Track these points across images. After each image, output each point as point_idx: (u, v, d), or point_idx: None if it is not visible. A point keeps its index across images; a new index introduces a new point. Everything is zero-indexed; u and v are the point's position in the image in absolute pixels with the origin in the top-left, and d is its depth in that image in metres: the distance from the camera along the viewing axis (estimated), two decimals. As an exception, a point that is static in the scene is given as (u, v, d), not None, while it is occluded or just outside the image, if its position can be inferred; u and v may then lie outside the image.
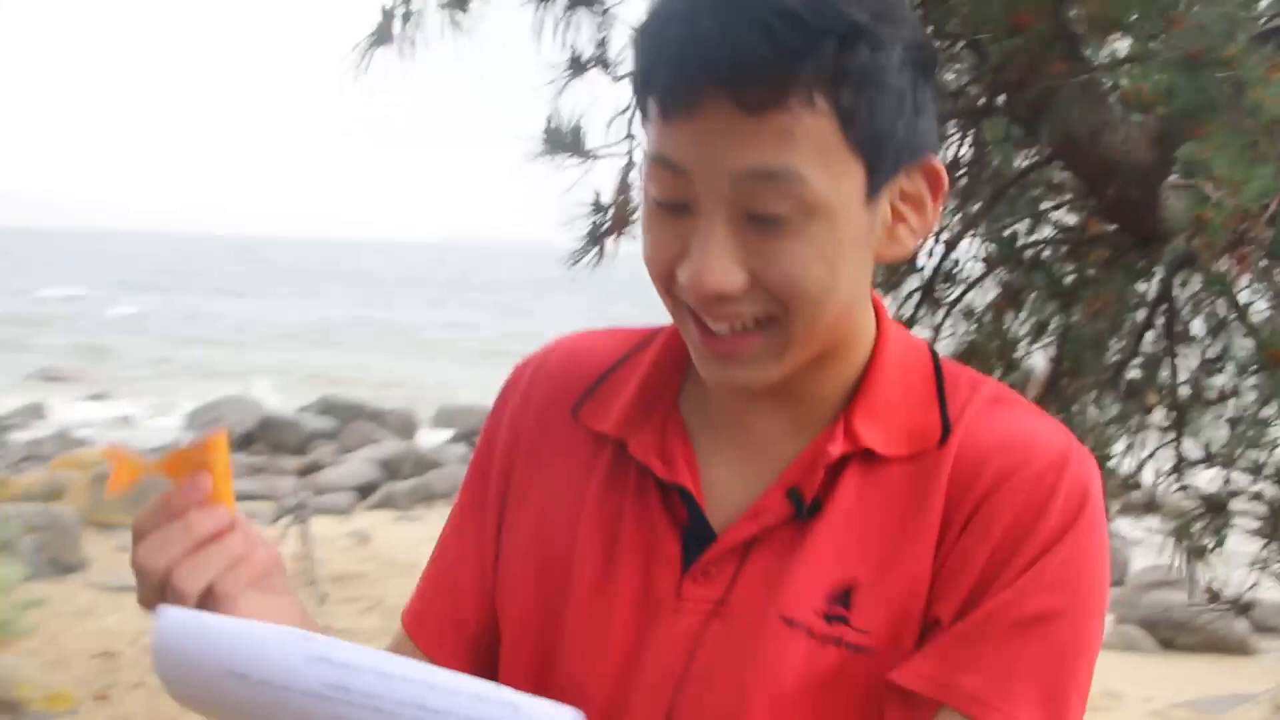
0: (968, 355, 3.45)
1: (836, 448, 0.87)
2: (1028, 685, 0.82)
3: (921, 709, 0.82)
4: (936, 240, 3.41)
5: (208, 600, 0.82)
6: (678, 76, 0.79)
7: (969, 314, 3.44)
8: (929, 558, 0.85)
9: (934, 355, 0.94)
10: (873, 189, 0.83)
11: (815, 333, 0.85)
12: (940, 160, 0.87)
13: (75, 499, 8.46)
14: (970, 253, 3.40)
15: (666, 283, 0.86)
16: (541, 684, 0.90)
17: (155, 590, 0.83)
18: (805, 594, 0.85)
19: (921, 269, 3.40)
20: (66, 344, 26.91)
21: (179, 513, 0.83)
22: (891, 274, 3.35)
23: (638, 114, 0.81)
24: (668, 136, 0.81)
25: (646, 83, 0.82)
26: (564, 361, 1.00)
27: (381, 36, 3.07)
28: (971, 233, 3.37)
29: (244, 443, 14.37)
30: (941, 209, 0.89)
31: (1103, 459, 3.44)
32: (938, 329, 3.44)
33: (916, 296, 3.38)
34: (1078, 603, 0.84)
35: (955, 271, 3.42)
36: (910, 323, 3.41)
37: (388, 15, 3.07)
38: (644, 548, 0.90)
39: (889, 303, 3.42)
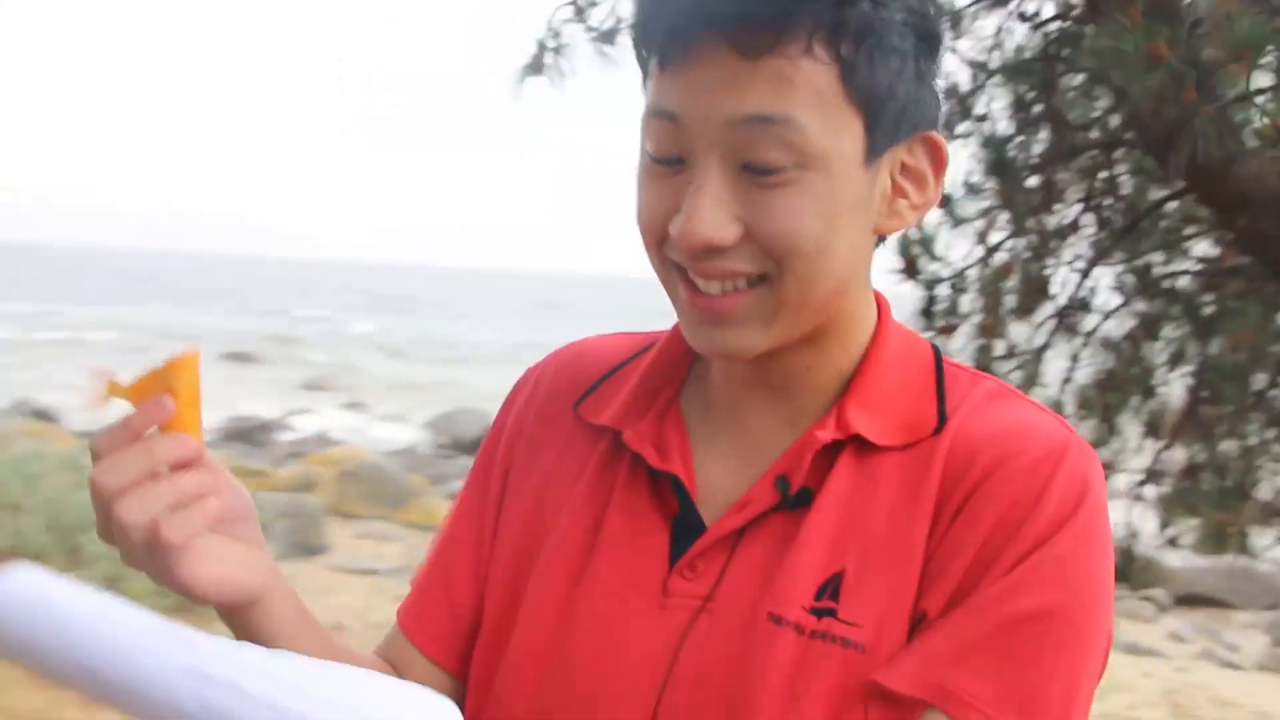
0: (1105, 383, 3.50)
1: (826, 434, 0.84)
2: (1017, 686, 0.77)
3: (907, 709, 0.78)
4: (1071, 269, 3.47)
5: (153, 542, 0.75)
6: (675, 23, 0.77)
7: (1106, 343, 3.48)
8: (920, 549, 0.80)
9: (936, 352, 0.90)
10: (872, 150, 0.79)
11: (808, 297, 0.80)
12: (942, 136, 0.84)
13: (323, 491, 9.48)
14: (1106, 282, 3.45)
15: (658, 242, 0.82)
16: (490, 669, 0.89)
17: (106, 520, 0.77)
18: (794, 587, 0.81)
19: (1055, 296, 3.47)
20: (324, 359, 29.07)
21: (136, 436, 0.77)
22: (1026, 298, 3.43)
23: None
24: (665, 87, 0.79)
25: (645, 34, 0.81)
26: (570, 362, 0.99)
27: (535, 66, 3.34)
28: (1105, 262, 3.43)
29: (476, 449, 15.03)
30: (942, 186, 0.85)
31: (1247, 486, 3.43)
32: (1075, 357, 3.50)
33: (1051, 324, 3.45)
34: (1075, 601, 0.78)
35: (1091, 300, 3.47)
36: (1044, 349, 3.48)
37: (541, 46, 3.34)
38: (629, 538, 0.87)
39: (1024, 330, 3.50)
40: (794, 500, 0.83)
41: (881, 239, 0.86)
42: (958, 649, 0.78)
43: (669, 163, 0.80)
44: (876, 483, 0.83)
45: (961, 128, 3.43)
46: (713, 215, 0.78)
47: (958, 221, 3.48)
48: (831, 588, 0.81)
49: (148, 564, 0.77)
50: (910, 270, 3.44)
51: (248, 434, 15.79)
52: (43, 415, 14.38)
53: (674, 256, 0.82)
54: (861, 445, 0.84)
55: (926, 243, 3.46)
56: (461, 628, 0.94)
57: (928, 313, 3.45)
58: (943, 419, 0.84)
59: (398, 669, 0.93)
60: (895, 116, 0.80)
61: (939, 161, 0.84)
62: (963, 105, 3.42)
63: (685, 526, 0.86)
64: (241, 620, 0.82)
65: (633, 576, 0.86)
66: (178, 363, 0.78)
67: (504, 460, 0.96)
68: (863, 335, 0.88)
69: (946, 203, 3.50)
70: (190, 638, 0.66)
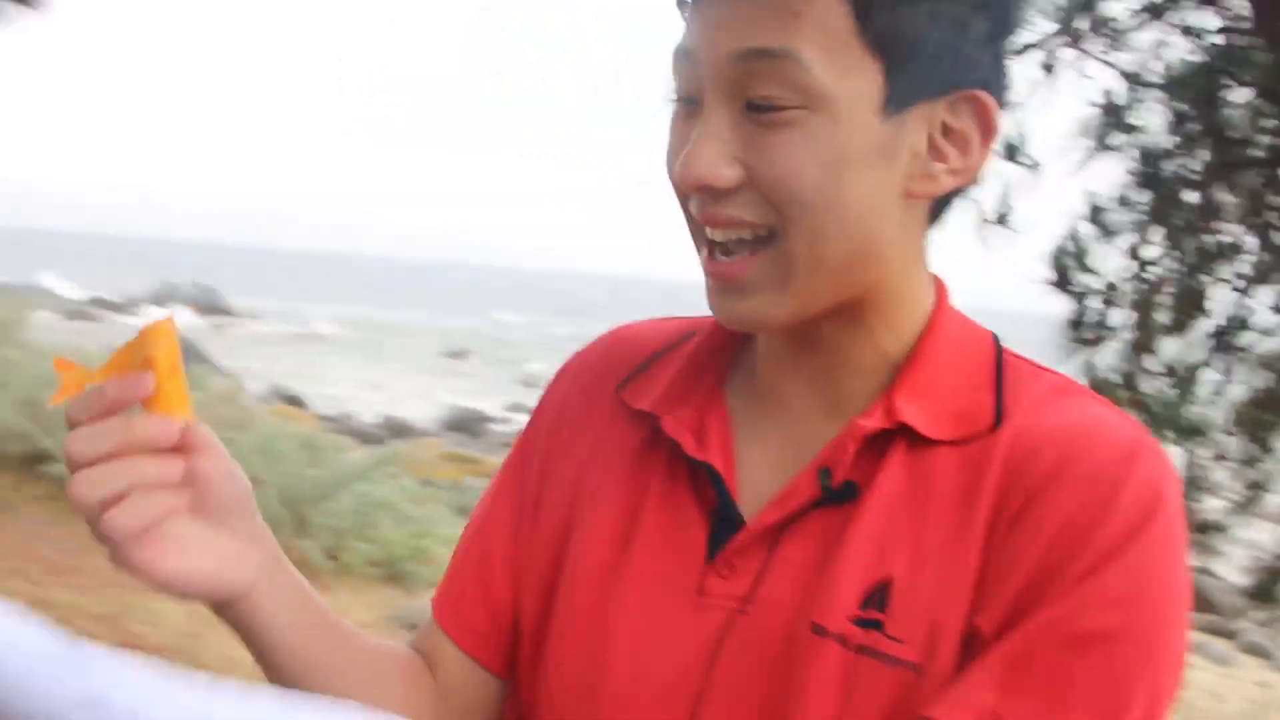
0: (1260, 402, 3.46)
1: (871, 422, 0.77)
2: (1084, 716, 0.70)
3: None
4: (1230, 288, 3.45)
5: (98, 525, 0.71)
6: None
7: (1263, 362, 3.44)
8: (975, 557, 0.73)
9: (997, 343, 0.83)
10: (894, 100, 0.74)
11: (821, 257, 0.75)
12: (993, 99, 0.77)
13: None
14: (1266, 301, 3.41)
15: (680, 193, 0.79)
16: (532, 665, 0.86)
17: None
18: (838, 594, 0.75)
19: (1210, 313, 3.45)
20: (532, 358, 30.45)
21: (111, 410, 0.71)
22: (1180, 315, 3.44)
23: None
24: (688, 25, 0.77)
25: None
26: (614, 346, 0.94)
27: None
28: (1268, 283, 3.39)
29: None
30: (990, 151, 0.78)
31: None
32: (1228, 374, 3.47)
33: (1205, 341, 3.43)
34: (1147, 622, 0.71)
35: (1249, 320, 3.44)
36: (1199, 367, 3.47)
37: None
38: (665, 532, 0.82)
39: (1175, 346, 3.49)
40: (837, 494, 0.77)
41: (936, 213, 0.80)
42: (1016, 675, 0.70)
43: (688, 103, 0.78)
44: (929, 481, 0.76)
45: (1115, 140, 3.47)
46: (709, 152, 0.74)
47: (1109, 233, 3.51)
48: (878, 597, 0.75)
49: (103, 545, 0.72)
50: (1061, 282, 3.51)
51: (466, 425, 16.90)
52: (293, 400, 15.80)
53: (690, 208, 0.79)
54: (913, 439, 0.77)
55: (1079, 255, 3.52)
56: (498, 620, 0.89)
57: (1076, 325, 3.50)
58: (1001, 414, 0.77)
59: (430, 661, 0.90)
60: (926, 67, 0.74)
61: (987, 125, 0.77)
62: (1117, 117, 3.46)
63: (724, 521, 0.81)
64: (227, 615, 0.79)
65: (668, 574, 0.81)
66: (152, 331, 0.72)
67: (545, 446, 0.92)
68: (915, 319, 0.81)
69: (1097, 214, 3.54)
70: (92, 664, 0.60)
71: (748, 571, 0.79)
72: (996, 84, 0.77)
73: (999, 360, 0.81)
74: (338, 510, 6.50)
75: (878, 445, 0.78)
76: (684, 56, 0.77)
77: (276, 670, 0.81)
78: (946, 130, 0.77)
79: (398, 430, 15.01)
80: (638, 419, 0.87)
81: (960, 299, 0.86)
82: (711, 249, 0.78)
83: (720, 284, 0.78)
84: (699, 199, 0.77)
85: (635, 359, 0.91)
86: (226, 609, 0.78)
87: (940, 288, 0.84)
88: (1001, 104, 0.78)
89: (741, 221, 0.76)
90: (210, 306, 37.42)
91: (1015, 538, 0.73)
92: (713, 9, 0.75)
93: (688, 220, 0.80)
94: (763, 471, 0.82)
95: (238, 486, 0.77)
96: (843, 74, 0.73)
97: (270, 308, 42.05)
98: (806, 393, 0.83)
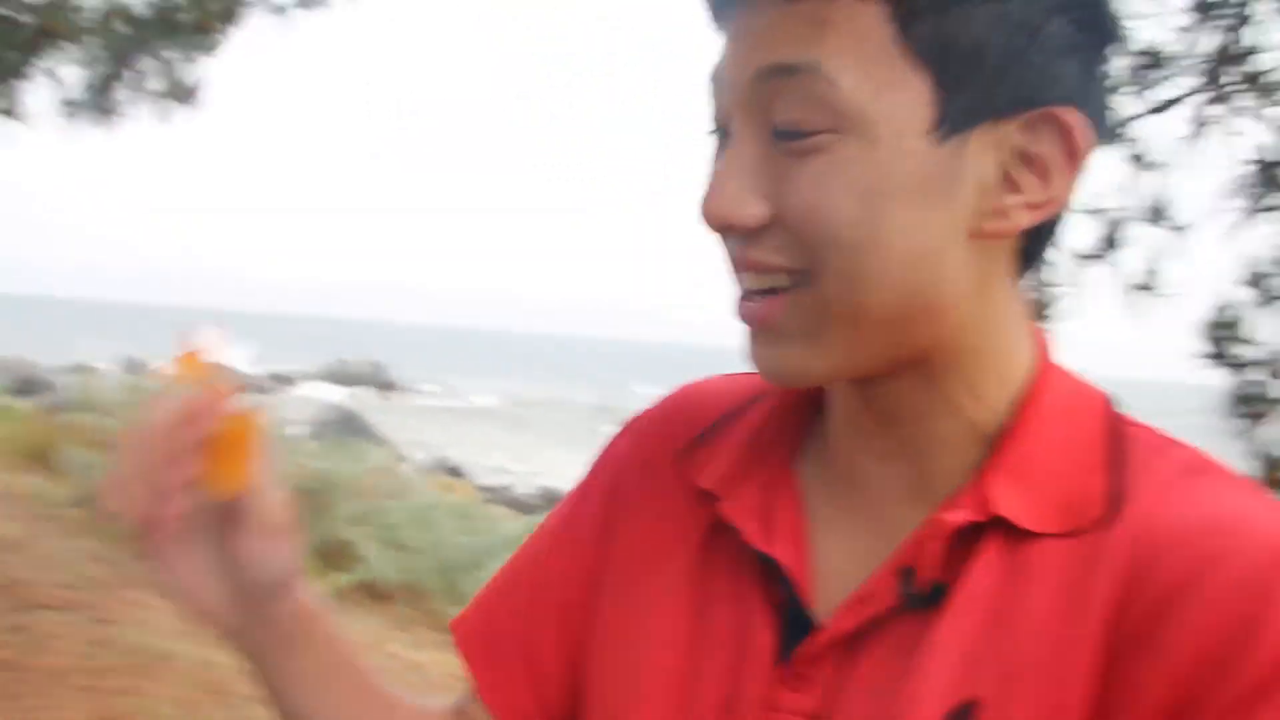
0: None
1: (959, 514, 0.65)
2: None
3: None
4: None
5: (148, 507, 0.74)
6: None
7: None
8: (1084, 679, 0.61)
9: (1112, 409, 0.70)
10: (948, 121, 0.62)
11: (860, 304, 0.63)
12: (1079, 118, 0.64)
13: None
14: None
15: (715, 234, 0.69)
16: None
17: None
18: (918, 715, 0.64)
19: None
20: None
21: (186, 421, 0.73)
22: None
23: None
24: (719, 49, 0.68)
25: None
26: (678, 407, 0.84)
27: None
28: None
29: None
30: (1077, 179, 0.65)
31: None
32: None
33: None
34: None
35: None
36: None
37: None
38: (735, 637, 0.72)
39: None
40: (921, 599, 0.66)
41: (1030, 257, 0.68)
42: None
43: (721, 133, 0.68)
44: (1028, 582, 0.64)
45: (1273, 199, 3.32)
46: (729, 188, 0.65)
47: (1270, 299, 3.35)
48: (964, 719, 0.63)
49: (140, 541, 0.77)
50: (1217, 352, 3.36)
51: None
52: (454, 471, 16.30)
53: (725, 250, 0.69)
54: (1010, 530, 0.65)
55: (1234, 323, 3.37)
56: (544, 704, 0.81)
57: (1240, 399, 3.33)
58: (1118, 500, 0.64)
59: None
60: (987, 81, 0.62)
61: (1072, 148, 0.64)
62: (1271, 175, 3.33)
63: (795, 623, 0.70)
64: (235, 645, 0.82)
65: (736, 684, 0.71)
66: (244, 418, 0.75)
67: (602, 513, 0.82)
68: (1008, 383, 0.69)
69: (1256, 279, 3.39)
70: None
71: (820, 684, 0.68)
72: (1086, 101, 0.65)
73: (1114, 431, 0.68)
74: (489, 578, 6.61)
75: (967, 536, 0.66)
76: (711, 80, 0.68)
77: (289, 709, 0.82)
78: (1023, 156, 0.65)
79: (552, 500, 15.12)
80: (702, 497, 0.77)
81: (1108, 369, 0.76)
82: (748, 294, 0.68)
83: (749, 328, 0.68)
84: (730, 240, 0.67)
85: (698, 424, 0.81)
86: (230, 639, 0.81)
87: (1041, 344, 0.71)
88: (1098, 125, 0.65)
89: (770, 266, 0.65)
90: (378, 381, 38.93)
91: (1138, 663, 0.60)
92: (740, 25, 0.66)
93: (728, 263, 0.70)
94: (840, 563, 0.71)
95: (271, 570, 0.77)
96: (880, 90, 0.62)
97: (433, 382, 43.69)
98: (886, 470, 0.71)
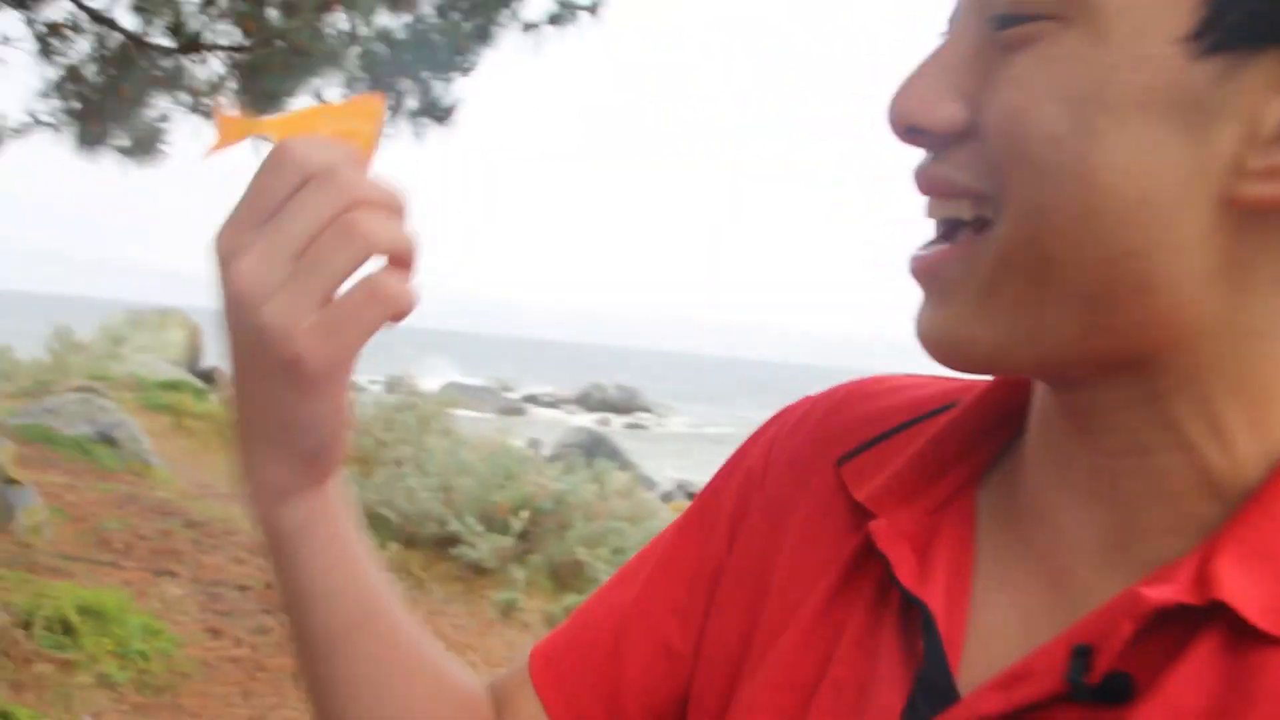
0: None
1: (1167, 591, 0.49)
2: None
3: None
4: None
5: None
6: None
7: None
8: None
9: None
10: (1217, 31, 0.46)
11: (1048, 248, 0.49)
12: None
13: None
14: None
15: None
16: None
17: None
18: None
19: None
20: None
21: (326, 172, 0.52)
22: None
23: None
24: None
25: None
26: (849, 401, 0.70)
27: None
28: None
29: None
30: None
31: None
32: None
33: None
34: None
35: None
36: None
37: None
38: (857, 690, 0.58)
39: None
40: (1096, 691, 0.50)
41: None
42: None
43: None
44: (1251, 703, 0.47)
45: None
46: (926, 83, 0.52)
47: None
48: None
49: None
50: None
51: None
52: (695, 495, 16.52)
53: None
54: (1236, 627, 0.48)
55: None
56: (612, 705, 0.69)
57: None
58: None
59: (502, 710, 0.72)
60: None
61: None
62: None
63: (929, 687, 0.55)
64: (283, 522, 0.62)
65: None
66: (363, 103, 0.55)
67: (736, 507, 0.70)
68: (1266, 427, 0.51)
69: None
70: None
71: None
72: None
73: None
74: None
75: (1176, 625, 0.49)
76: None
77: (308, 641, 0.64)
78: None
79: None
80: (859, 511, 0.63)
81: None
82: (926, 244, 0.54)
83: (921, 285, 0.54)
84: (921, 157, 0.53)
85: (872, 423, 0.67)
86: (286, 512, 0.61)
87: None
88: None
89: (954, 186, 0.51)
90: (630, 405, 39.99)
91: None
92: None
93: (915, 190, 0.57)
94: (1003, 621, 0.56)
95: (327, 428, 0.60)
96: None
97: (684, 408, 44.70)
98: (1081, 514, 0.55)
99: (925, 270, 0.53)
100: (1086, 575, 0.55)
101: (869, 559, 0.61)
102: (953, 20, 0.53)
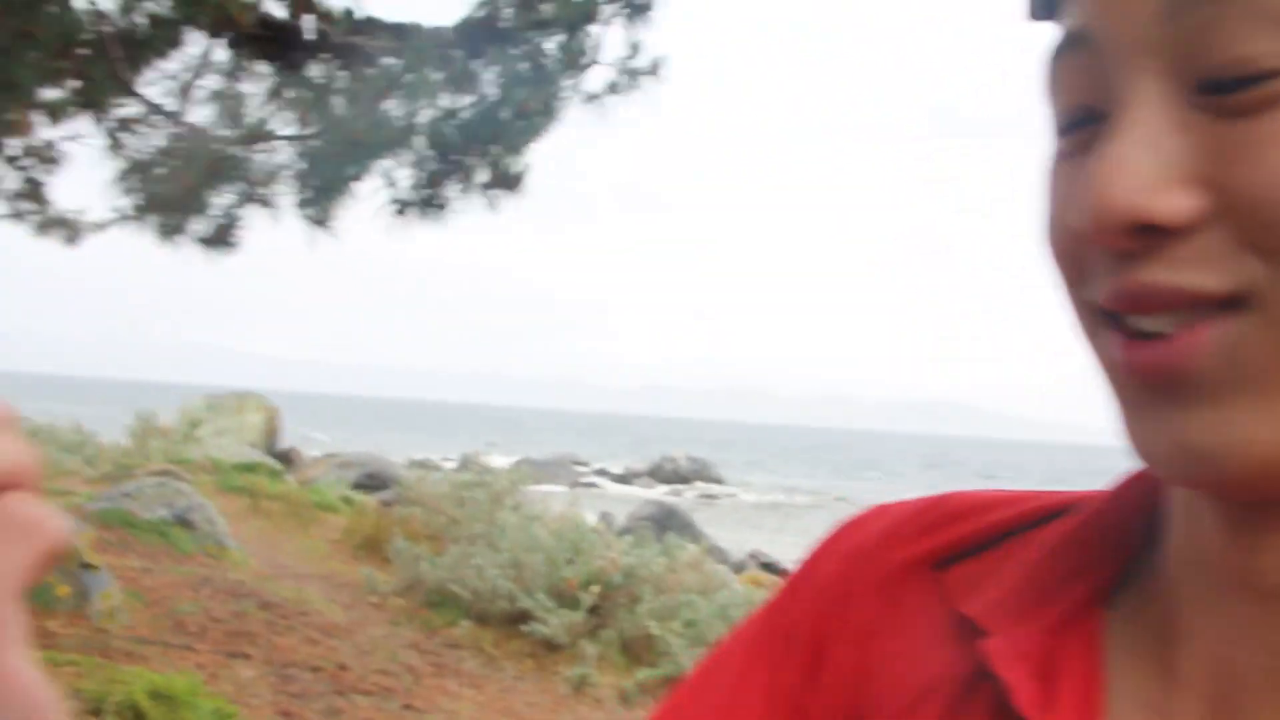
0: None
1: None
2: None
3: None
4: None
5: None
6: None
7: None
8: None
9: None
10: None
11: None
12: None
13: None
14: None
15: (1071, 266, 0.48)
16: None
17: None
18: None
19: None
20: None
21: None
22: None
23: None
24: (1066, 10, 0.48)
25: None
26: (939, 509, 0.63)
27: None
28: None
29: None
30: None
31: None
32: None
33: None
34: None
35: None
36: None
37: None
38: None
39: None
40: None
41: None
42: None
43: (1081, 124, 0.47)
44: None
45: None
46: (1144, 168, 0.43)
47: None
48: None
49: None
50: None
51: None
52: (767, 566, 16.24)
53: (1097, 295, 0.46)
54: None
55: None
56: None
57: None
58: None
59: None
60: None
61: None
62: None
63: None
64: None
65: None
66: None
67: (814, 634, 0.62)
68: None
69: None
70: None
71: None
72: None
73: None
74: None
75: None
76: (1068, 47, 0.47)
77: None
78: None
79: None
80: (966, 627, 0.55)
81: None
82: (1128, 335, 0.45)
83: (1148, 382, 0.44)
84: (1106, 259, 0.44)
85: (966, 531, 0.59)
86: None
87: None
88: None
89: (1203, 292, 0.42)
90: (703, 477, 39.90)
91: None
92: None
93: (1076, 309, 0.49)
94: None
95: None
96: None
97: (756, 479, 44.66)
98: (1246, 637, 0.48)
99: (1178, 362, 0.43)
100: (1253, 706, 0.48)
101: (982, 681, 0.54)
102: (1088, 114, 0.46)
